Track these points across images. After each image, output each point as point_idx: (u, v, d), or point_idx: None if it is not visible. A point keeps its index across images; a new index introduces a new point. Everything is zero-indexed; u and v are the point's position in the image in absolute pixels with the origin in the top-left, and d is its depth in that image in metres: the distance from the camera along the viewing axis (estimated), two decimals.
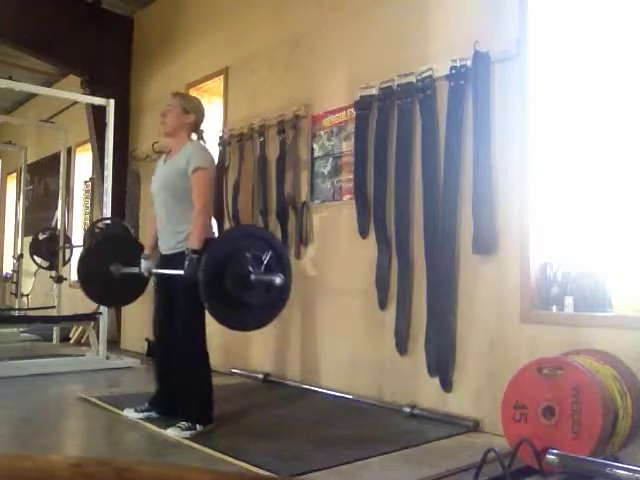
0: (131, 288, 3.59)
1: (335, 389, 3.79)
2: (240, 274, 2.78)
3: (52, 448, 2.73)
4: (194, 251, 2.85)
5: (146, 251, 3.32)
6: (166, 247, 3.12)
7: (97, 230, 4.89)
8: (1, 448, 2.67)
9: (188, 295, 2.89)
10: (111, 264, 3.50)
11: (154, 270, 3.23)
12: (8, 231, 9.61)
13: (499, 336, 3.02)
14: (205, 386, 3.04)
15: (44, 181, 8.39)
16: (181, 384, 3.08)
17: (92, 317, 5.04)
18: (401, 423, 3.17)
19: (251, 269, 2.80)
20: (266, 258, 2.84)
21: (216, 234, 3.27)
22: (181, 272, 2.87)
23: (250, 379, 4.31)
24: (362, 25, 3.86)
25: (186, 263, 2.85)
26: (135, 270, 3.35)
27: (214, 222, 3.41)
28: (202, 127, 3.25)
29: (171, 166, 3.10)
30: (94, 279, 3.58)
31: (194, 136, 3.20)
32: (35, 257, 6.48)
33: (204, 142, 3.23)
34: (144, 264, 3.28)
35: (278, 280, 2.79)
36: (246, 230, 3.15)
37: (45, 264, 6.49)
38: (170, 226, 3.08)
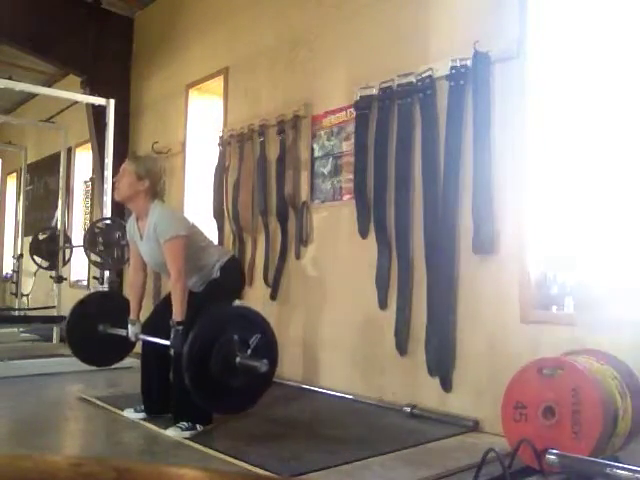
0: (118, 348, 3.58)
1: (335, 389, 3.79)
2: (226, 356, 2.72)
3: (52, 448, 2.73)
4: (178, 322, 2.86)
5: (132, 315, 3.27)
6: (192, 285, 3.12)
7: (97, 230, 4.90)
8: (1, 448, 2.67)
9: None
10: (99, 323, 3.54)
11: (141, 336, 3.21)
12: (8, 231, 9.61)
13: (499, 336, 3.02)
14: None
15: (44, 181, 8.38)
16: (180, 384, 3.07)
17: None
18: (401, 423, 3.17)
19: (237, 352, 2.74)
20: (254, 342, 2.79)
21: (231, 253, 3.31)
22: (167, 342, 2.89)
23: None
24: (362, 25, 3.86)
25: (172, 335, 2.86)
26: (123, 333, 3.33)
27: (217, 224, 3.43)
28: (158, 189, 3.16)
29: (149, 242, 3.06)
30: (82, 339, 3.58)
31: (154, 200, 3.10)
32: (35, 257, 6.48)
33: (162, 202, 3.18)
34: (131, 330, 3.24)
35: (264, 368, 2.72)
36: (237, 311, 3.10)
37: (45, 264, 6.49)
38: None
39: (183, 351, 2.68)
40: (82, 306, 3.70)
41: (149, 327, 3.21)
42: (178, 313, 2.90)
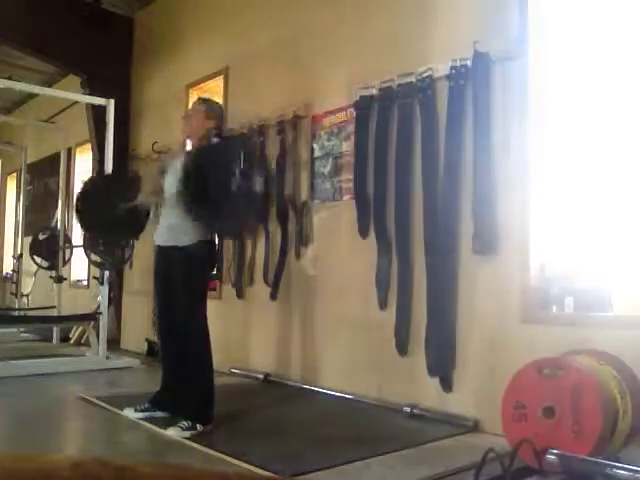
0: (132, 224, 3.59)
1: (335, 389, 3.79)
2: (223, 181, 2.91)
3: (52, 448, 2.73)
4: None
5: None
6: (160, 239, 3.18)
7: None
8: (1, 448, 2.67)
9: (188, 280, 2.99)
10: (114, 201, 3.50)
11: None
12: (8, 231, 9.60)
13: (499, 336, 3.02)
14: (206, 386, 3.04)
15: (44, 181, 8.38)
16: (182, 383, 3.08)
17: (92, 317, 5.05)
18: (401, 423, 3.17)
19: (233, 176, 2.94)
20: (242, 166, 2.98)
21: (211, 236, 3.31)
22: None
23: (250, 379, 4.31)
24: (362, 25, 3.86)
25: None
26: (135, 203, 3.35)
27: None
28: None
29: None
30: (96, 215, 3.61)
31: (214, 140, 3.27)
32: (35, 257, 6.47)
33: None
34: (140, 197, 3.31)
35: (258, 186, 2.97)
36: (223, 144, 3.29)
37: (45, 264, 6.48)
38: (177, 227, 3.08)
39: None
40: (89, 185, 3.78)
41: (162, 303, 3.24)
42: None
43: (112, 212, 3.49)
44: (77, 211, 3.77)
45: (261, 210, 3.12)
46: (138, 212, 3.37)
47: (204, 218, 2.98)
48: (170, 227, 3.11)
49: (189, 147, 3.32)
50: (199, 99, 3.48)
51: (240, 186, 2.93)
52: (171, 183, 3.10)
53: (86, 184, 3.88)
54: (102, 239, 3.90)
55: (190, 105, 3.35)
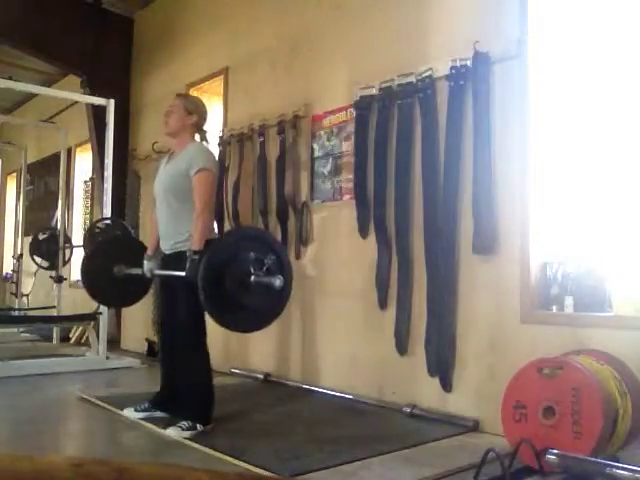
0: (134, 289, 3.57)
1: (335, 389, 3.79)
2: (241, 275, 2.76)
3: (52, 448, 2.73)
4: (195, 252, 2.86)
5: (148, 252, 3.32)
6: (167, 247, 3.13)
7: (97, 230, 4.89)
8: (1, 448, 2.67)
9: (189, 296, 2.87)
10: (115, 265, 3.47)
11: (156, 271, 3.23)
12: (8, 231, 9.60)
13: (499, 336, 3.02)
14: (206, 386, 3.04)
15: (44, 181, 8.38)
16: (182, 384, 3.08)
17: (92, 317, 5.04)
18: (401, 423, 3.17)
19: (252, 270, 2.78)
20: (268, 262, 2.82)
21: (217, 235, 3.28)
22: (182, 273, 2.87)
23: (250, 379, 4.31)
24: (362, 25, 3.86)
25: (187, 264, 2.85)
26: (138, 271, 3.34)
27: (215, 224, 3.44)
28: (205, 128, 3.26)
29: (173, 167, 3.11)
30: (98, 280, 3.55)
31: (197, 137, 3.22)
32: (35, 257, 6.47)
33: (207, 143, 3.24)
34: (147, 265, 3.27)
35: (278, 282, 2.78)
36: (248, 232, 3.14)
37: (45, 264, 6.48)
38: (172, 226, 3.08)
39: (198, 276, 2.70)
40: (96, 250, 3.75)
41: (163, 309, 3.23)
42: (197, 242, 2.90)
43: (113, 277, 3.46)
44: (82, 278, 3.66)
45: (280, 306, 3.02)
46: (140, 279, 3.36)
47: (215, 311, 2.80)
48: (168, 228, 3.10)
49: (173, 146, 3.23)
50: (178, 95, 3.38)
51: (259, 281, 2.79)
52: (171, 175, 3.08)
53: (90, 250, 3.82)
54: (104, 304, 3.83)
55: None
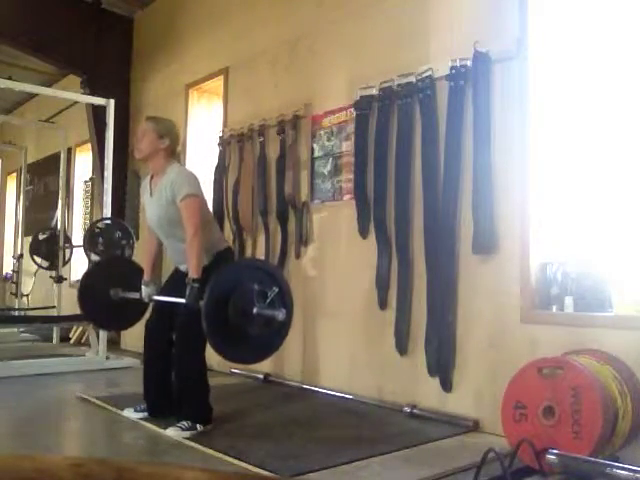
0: (130, 313, 3.53)
1: (335, 389, 3.79)
2: (243, 306, 2.72)
3: (52, 448, 2.73)
4: (194, 280, 2.86)
5: (145, 277, 3.28)
6: (181, 263, 3.13)
7: (97, 230, 4.89)
8: (1, 448, 2.67)
9: (191, 316, 2.85)
10: (111, 288, 3.44)
11: (155, 297, 3.21)
12: (8, 231, 9.60)
13: (499, 336, 3.02)
14: (204, 386, 3.04)
15: (44, 181, 8.38)
16: (181, 384, 3.07)
17: None
18: (401, 423, 3.17)
19: (255, 302, 2.74)
20: (272, 294, 2.78)
21: (227, 244, 3.29)
22: (183, 300, 2.87)
23: (250, 379, 4.31)
24: (362, 25, 3.86)
25: (187, 291, 2.85)
26: (135, 295, 3.32)
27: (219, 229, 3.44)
28: (178, 150, 3.23)
29: (160, 200, 3.06)
30: (94, 304, 3.52)
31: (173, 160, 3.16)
32: (35, 257, 6.48)
33: (180, 164, 3.23)
34: (145, 291, 3.24)
35: (281, 315, 2.74)
36: (253, 263, 3.09)
37: (45, 264, 6.49)
38: (178, 246, 3.08)
39: (200, 306, 2.69)
40: (92, 272, 3.73)
41: (158, 311, 3.21)
42: (194, 269, 2.89)
43: (110, 300, 3.43)
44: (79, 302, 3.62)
45: (281, 339, 2.97)
46: (137, 303, 3.34)
47: (219, 344, 2.76)
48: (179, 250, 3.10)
49: (150, 170, 3.18)
50: (147, 118, 3.29)
51: (261, 313, 2.74)
52: (160, 206, 3.05)
53: (86, 273, 3.76)
54: (100, 328, 3.81)
55: (144, 124, 3.17)
